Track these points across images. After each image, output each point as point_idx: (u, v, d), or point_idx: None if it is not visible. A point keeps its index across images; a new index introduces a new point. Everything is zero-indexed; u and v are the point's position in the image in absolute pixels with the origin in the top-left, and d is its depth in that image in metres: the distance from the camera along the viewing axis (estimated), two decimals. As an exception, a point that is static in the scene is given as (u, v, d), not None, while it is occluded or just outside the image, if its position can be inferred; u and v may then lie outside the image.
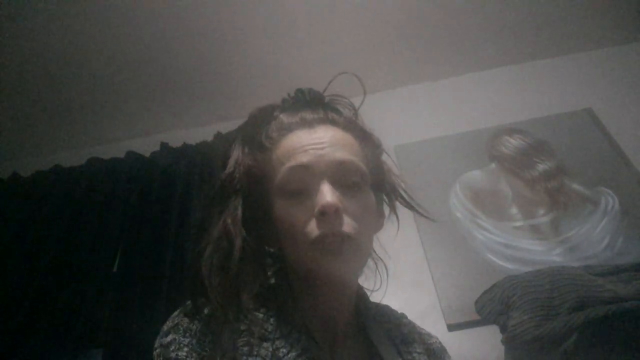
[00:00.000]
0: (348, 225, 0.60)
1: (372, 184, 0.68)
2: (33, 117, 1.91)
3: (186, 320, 0.61)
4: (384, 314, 0.75)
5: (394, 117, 1.83)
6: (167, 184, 1.71)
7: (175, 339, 0.59)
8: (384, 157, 0.77)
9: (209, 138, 1.79)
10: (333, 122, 0.70)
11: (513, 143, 1.69)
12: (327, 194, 0.60)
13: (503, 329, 1.12)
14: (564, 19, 1.79)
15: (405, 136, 1.76)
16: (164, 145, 1.83)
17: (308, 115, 0.69)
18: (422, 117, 1.84)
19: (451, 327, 1.30)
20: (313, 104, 0.72)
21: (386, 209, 0.75)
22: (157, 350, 0.59)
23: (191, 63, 1.78)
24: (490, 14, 1.74)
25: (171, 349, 0.58)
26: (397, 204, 0.76)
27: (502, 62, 1.93)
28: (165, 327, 0.61)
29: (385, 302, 0.79)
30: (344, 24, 1.72)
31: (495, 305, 1.15)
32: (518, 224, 1.49)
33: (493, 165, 1.66)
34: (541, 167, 1.61)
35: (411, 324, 0.76)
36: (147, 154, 1.83)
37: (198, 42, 1.71)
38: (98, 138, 2.03)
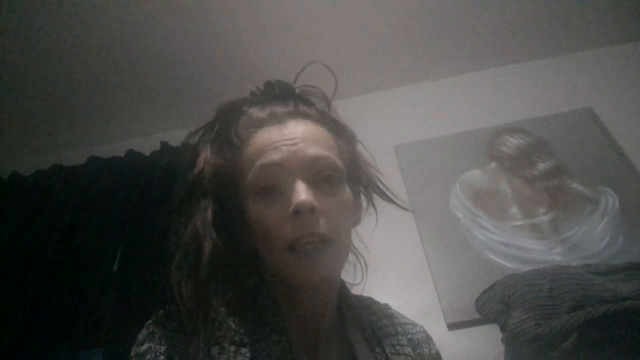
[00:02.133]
0: (324, 225, 0.58)
1: (348, 177, 0.66)
2: (33, 117, 1.91)
3: (162, 327, 0.60)
4: (366, 306, 0.74)
5: (394, 117, 1.83)
6: (167, 183, 1.70)
7: (151, 347, 0.58)
8: (360, 148, 0.74)
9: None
10: (304, 116, 0.67)
11: (513, 142, 1.69)
12: (301, 192, 0.57)
13: (503, 328, 1.12)
14: (564, 18, 1.79)
15: (405, 136, 1.76)
16: (164, 145, 1.83)
17: (278, 109, 0.67)
18: (422, 117, 1.84)
19: (451, 326, 1.30)
20: (283, 97, 0.69)
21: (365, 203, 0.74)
22: None
23: (191, 63, 1.78)
24: (490, 13, 1.74)
25: (147, 357, 0.57)
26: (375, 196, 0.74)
27: (502, 62, 1.93)
28: (140, 336, 0.60)
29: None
30: (344, 24, 1.72)
31: (496, 304, 1.15)
32: (518, 223, 1.49)
33: (493, 164, 1.66)
34: (541, 166, 1.61)
35: (394, 315, 0.74)
36: (148, 153, 1.83)
37: (198, 42, 1.71)
38: (98, 137, 2.02)
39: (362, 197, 0.74)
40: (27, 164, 1.90)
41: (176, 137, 1.84)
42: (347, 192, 0.64)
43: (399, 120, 1.83)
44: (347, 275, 0.73)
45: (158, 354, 0.57)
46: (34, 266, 1.56)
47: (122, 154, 1.84)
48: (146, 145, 1.86)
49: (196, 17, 1.63)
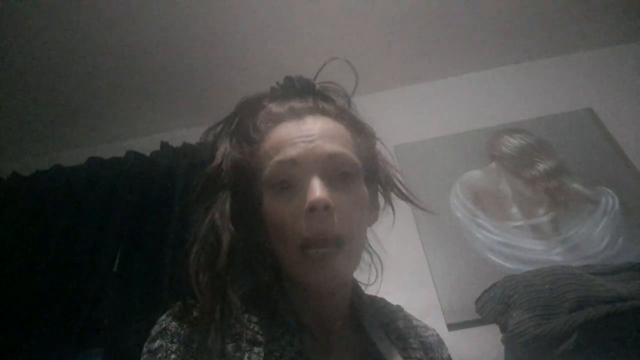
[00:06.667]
0: (339, 223, 0.57)
1: (365, 175, 0.65)
2: (33, 117, 1.91)
3: (174, 324, 0.59)
4: (380, 307, 0.73)
5: (394, 117, 1.83)
6: (167, 184, 1.70)
7: (162, 345, 0.57)
8: (380, 147, 0.73)
9: (209, 137, 1.79)
10: (323, 112, 0.66)
11: (513, 142, 1.69)
12: (317, 189, 0.56)
13: (503, 329, 1.12)
14: (564, 18, 1.79)
15: (405, 136, 1.76)
16: (164, 145, 1.83)
17: (297, 104, 0.66)
18: (422, 117, 1.84)
19: (451, 327, 1.30)
20: (303, 93, 0.68)
21: (381, 201, 0.72)
22: (144, 357, 0.58)
23: (191, 63, 1.78)
24: (490, 14, 1.74)
25: (159, 356, 0.56)
26: (393, 195, 0.72)
27: (502, 62, 1.93)
28: (153, 332, 0.59)
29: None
30: (345, 24, 1.72)
31: (496, 305, 1.15)
32: (518, 223, 1.49)
33: (493, 164, 1.66)
34: (541, 166, 1.61)
35: (407, 318, 0.74)
36: (147, 154, 1.83)
37: (198, 41, 1.71)
38: (98, 138, 2.03)
39: (380, 196, 0.72)
40: (28, 165, 1.91)
41: (176, 137, 1.85)
42: (363, 189, 0.63)
43: (399, 120, 1.83)
44: (361, 275, 0.72)
45: (169, 352, 0.56)
46: (34, 266, 1.56)
47: (122, 155, 1.84)
48: (146, 145, 1.86)
49: (196, 17, 1.63)
